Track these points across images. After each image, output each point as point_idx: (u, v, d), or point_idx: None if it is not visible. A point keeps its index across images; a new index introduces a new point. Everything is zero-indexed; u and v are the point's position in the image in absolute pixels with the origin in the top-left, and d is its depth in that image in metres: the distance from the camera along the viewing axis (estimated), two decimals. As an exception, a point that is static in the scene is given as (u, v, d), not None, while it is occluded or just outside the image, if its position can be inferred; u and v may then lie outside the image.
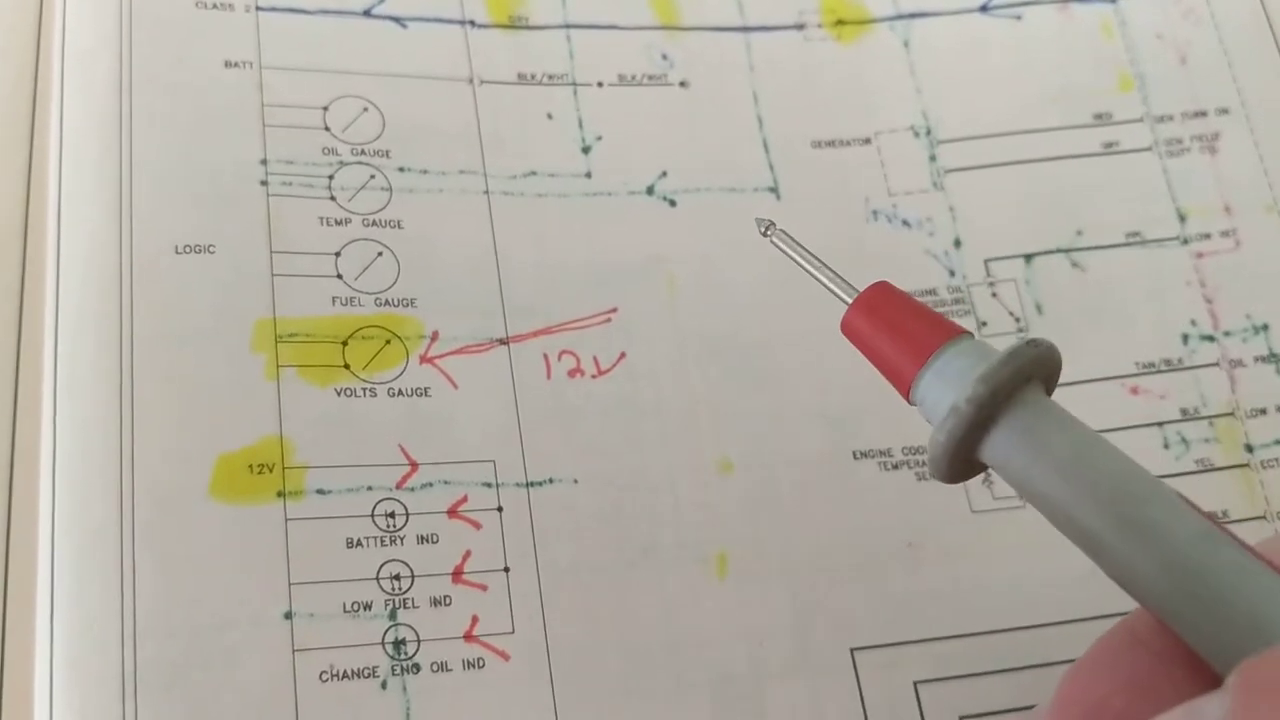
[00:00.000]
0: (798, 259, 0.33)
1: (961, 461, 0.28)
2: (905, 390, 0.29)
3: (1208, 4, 0.50)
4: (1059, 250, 0.45)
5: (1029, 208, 0.46)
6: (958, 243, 0.45)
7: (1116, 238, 0.46)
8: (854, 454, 0.42)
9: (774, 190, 0.45)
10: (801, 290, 0.42)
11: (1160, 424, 0.43)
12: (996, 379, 0.27)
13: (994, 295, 0.44)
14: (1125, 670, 0.26)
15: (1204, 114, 0.48)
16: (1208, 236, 0.46)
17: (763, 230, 0.34)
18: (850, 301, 0.31)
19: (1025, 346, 0.27)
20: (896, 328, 0.30)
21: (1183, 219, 0.46)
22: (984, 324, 0.44)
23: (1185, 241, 0.46)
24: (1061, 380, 0.42)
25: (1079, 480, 0.26)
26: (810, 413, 0.42)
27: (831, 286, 0.32)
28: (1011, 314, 0.44)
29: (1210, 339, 0.45)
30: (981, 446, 0.28)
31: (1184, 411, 0.44)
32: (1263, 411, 0.44)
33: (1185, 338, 0.44)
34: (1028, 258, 0.45)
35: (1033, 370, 0.27)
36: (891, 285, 0.31)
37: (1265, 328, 0.45)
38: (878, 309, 0.30)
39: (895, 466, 0.42)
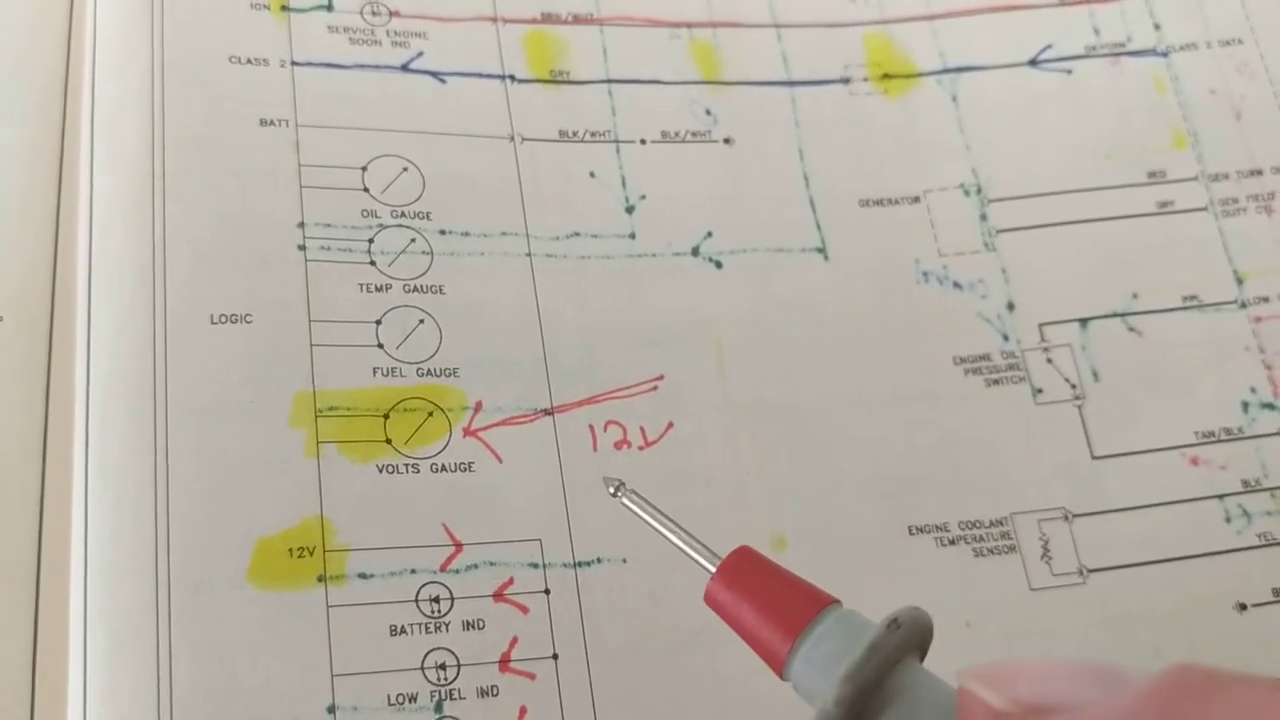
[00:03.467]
0: (651, 522, 0.32)
1: None
2: (778, 670, 0.28)
3: (1261, 59, 0.48)
4: (1114, 314, 0.44)
5: (1083, 269, 0.45)
6: (1011, 305, 0.44)
7: (1173, 301, 0.44)
8: (910, 529, 0.40)
9: (821, 250, 0.44)
10: (855, 355, 0.42)
11: (1221, 496, 0.42)
12: (862, 676, 0.26)
13: (1049, 361, 0.43)
14: None
15: (1260, 172, 0.47)
16: (1266, 300, 0.45)
17: (612, 490, 0.33)
18: (712, 570, 0.29)
19: (887, 633, 0.26)
20: (761, 601, 0.28)
21: (1240, 281, 0.45)
22: (1040, 390, 0.43)
23: (1243, 305, 0.45)
24: (1121, 450, 0.42)
25: None
26: (865, 485, 0.40)
27: (690, 552, 0.30)
28: (1067, 380, 0.43)
29: (1271, 407, 0.43)
30: None
31: (1245, 483, 0.42)
32: (1324, 484, 0.42)
33: (1245, 405, 0.43)
34: (1083, 322, 0.44)
35: (899, 654, 0.26)
36: (753, 551, 0.29)
37: (1327, 396, 0.43)
38: (740, 579, 0.29)
39: (952, 542, 0.40)
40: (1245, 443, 0.43)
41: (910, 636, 0.27)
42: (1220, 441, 0.43)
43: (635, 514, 0.32)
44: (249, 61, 0.41)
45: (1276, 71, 0.48)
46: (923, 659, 0.28)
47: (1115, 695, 0.22)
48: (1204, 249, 0.45)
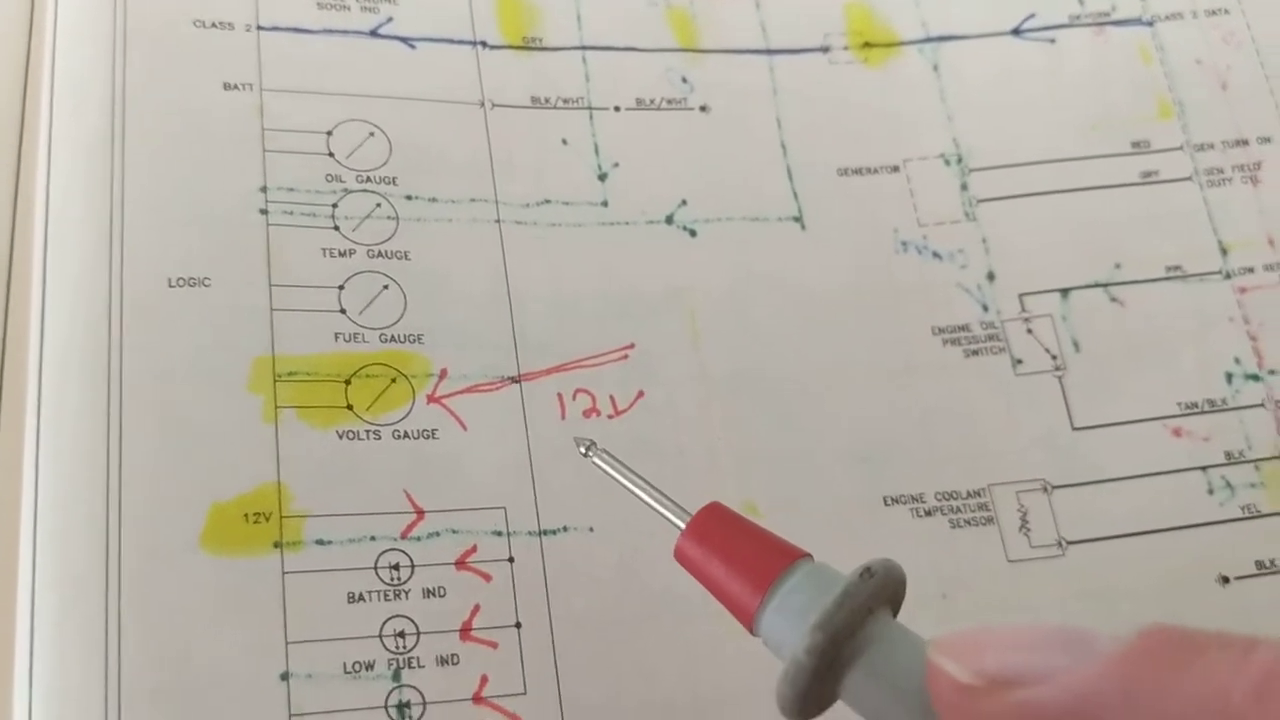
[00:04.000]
0: (622, 480, 0.31)
1: (814, 702, 0.26)
2: (748, 624, 0.28)
3: (1248, 28, 0.48)
4: (1097, 284, 0.43)
5: (1065, 240, 0.44)
6: (991, 276, 0.43)
7: (1156, 271, 0.44)
8: (885, 499, 0.40)
9: (798, 220, 0.43)
10: (830, 324, 0.41)
11: (1204, 468, 0.41)
12: (834, 624, 0.25)
13: (1029, 332, 0.42)
14: None
15: (1246, 142, 0.46)
16: (1251, 270, 0.44)
17: (583, 450, 0.32)
18: (682, 526, 0.29)
19: (859, 581, 0.26)
20: (731, 555, 0.28)
21: (1225, 252, 0.44)
22: (1019, 361, 0.42)
23: (1228, 276, 0.44)
24: (1102, 421, 0.41)
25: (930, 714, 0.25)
26: (839, 454, 0.40)
27: (661, 510, 0.30)
28: (1048, 351, 0.42)
29: (1255, 378, 0.42)
30: (836, 684, 0.26)
31: (1228, 455, 0.42)
32: (1311, 455, 0.42)
33: (1229, 377, 0.42)
34: (1064, 292, 0.43)
35: (872, 603, 0.26)
36: (724, 507, 0.29)
37: (1313, 366, 0.43)
38: (710, 535, 0.28)
39: (928, 513, 0.40)
40: (1229, 414, 0.42)
41: (883, 586, 0.26)
42: (1203, 413, 0.42)
43: (606, 473, 0.32)
44: (214, 25, 0.40)
45: (1263, 41, 0.47)
46: (896, 613, 0.27)
47: (1084, 663, 0.21)
48: (1188, 219, 0.45)
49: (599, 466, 0.32)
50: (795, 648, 0.26)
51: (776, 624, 0.27)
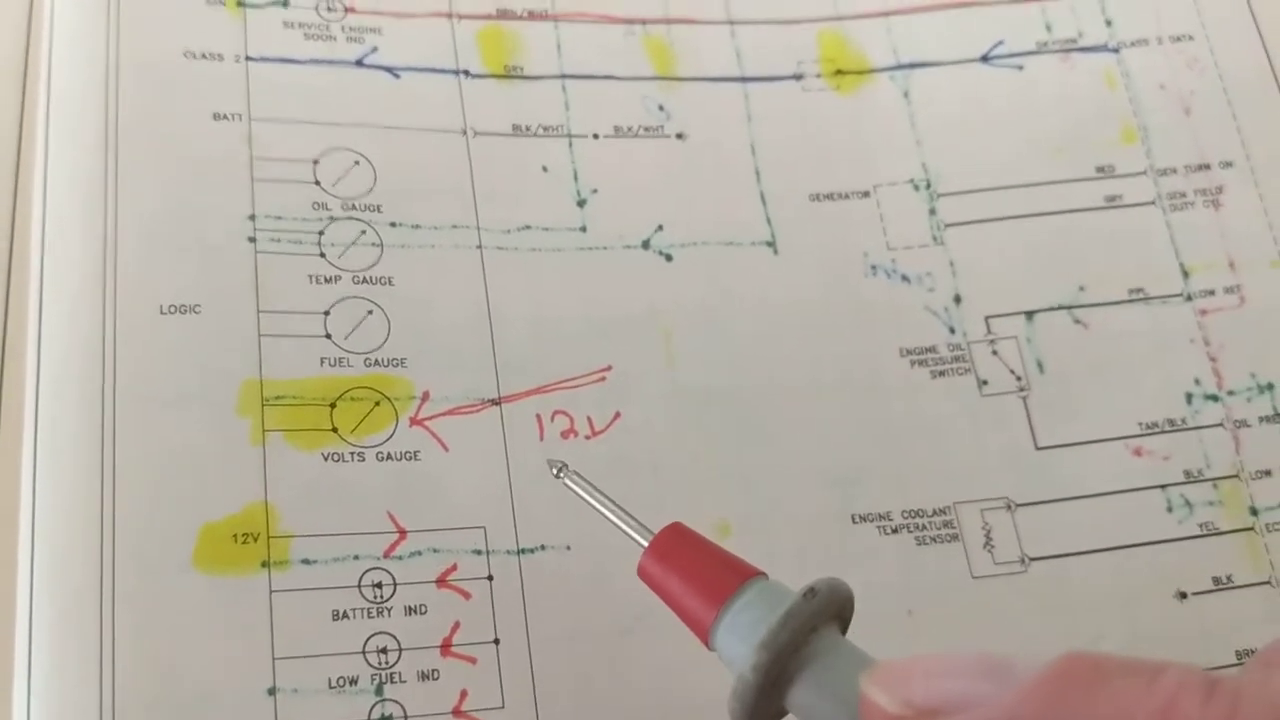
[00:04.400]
0: (591, 501, 0.33)
1: (763, 716, 0.28)
2: (704, 639, 0.29)
3: (1211, 54, 0.49)
4: (1061, 307, 0.45)
5: (1031, 263, 0.45)
6: (958, 299, 0.44)
7: (1119, 294, 0.45)
8: (853, 517, 0.41)
9: (771, 244, 0.44)
10: (802, 346, 0.42)
11: (1163, 486, 0.42)
12: (777, 643, 0.27)
13: (994, 353, 0.44)
14: None
15: (1207, 167, 0.47)
16: (1212, 293, 0.45)
17: (555, 472, 0.34)
18: (645, 545, 0.31)
19: (803, 601, 0.28)
20: (689, 573, 0.30)
21: (1186, 275, 0.45)
22: (985, 382, 0.43)
23: (1189, 298, 0.45)
24: (1065, 440, 0.42)
25: None
26: (810, 473, 0.41)
27: (626, 529, 0.32)
28: (1013, 372, 0.43)
29: (1214, 399, 0.44)
30: (783, 698, 0.28)
31: (1187, 474, 0.43)
32: (1267, 473, 0.43)
33: (1189, 397, 0.44)
34: (1029, 314, 0.44)
35: (815, 621, 0.27)
36: (684, 527, 0.31)
37: (1270, 387, 0.44)
38: (670, 553, 0.30)
39: (894, 530, 0.41)
40: (1188, 434, 0.43)
41: (826, 604, 0.28)
42: (1164, 432, 0.43)
43: (576, 494, 0.33)
44: (204, 56, 0.42)
45: (1226, 67, 0.49)
46: (845, 630, 0.29)
47: (1005, 690, 0.23)
48: (1151, 243, 0.46)
49: (570, 488, 0.34)
50: (742, 664, 0.27)
51: (728, 640, 0.28)
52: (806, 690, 0.27)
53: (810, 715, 0.27)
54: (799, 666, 0.27)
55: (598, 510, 0.33)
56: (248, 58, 0.42)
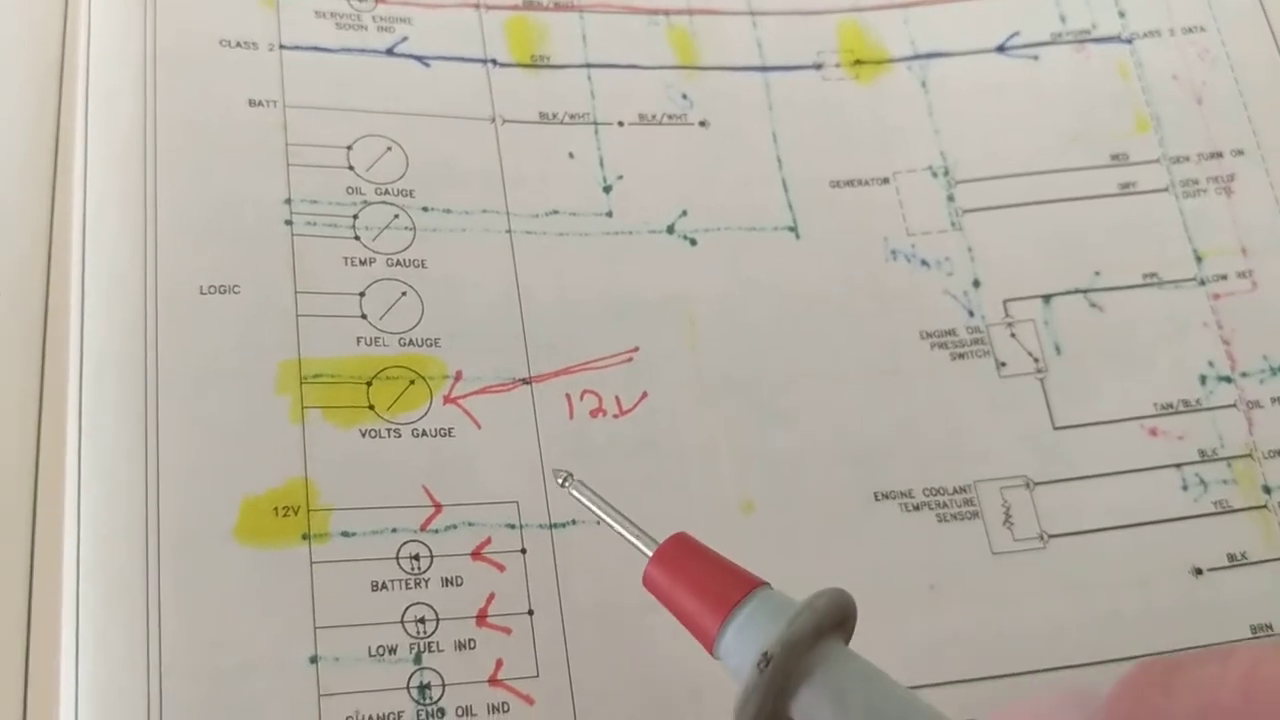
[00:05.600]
0: (596, 510, 0.34)
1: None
2: (709, 647, 0.30)
3: (1223, 45, 0.50)
4: (1077, 291, 0.45)
5: (1047, 248, 0.46)
6: (976, 283, 0.45)
7: (1134, 279, 0.46)
8: (875, 495, 0.42)
9: (793, 229, 0.45)
10: (824, 330, 0.43)
11: (1179, 465, 0.43)
12: (782, 649, 0.27)
13: (1013, 335, 0.44)
14: None
15: (1220, 155, 0.48)
16: (1224, 278, 0.46)
17: (560, 481, 0.35)
18: (650, 554, 0.32)
19: (806, 610, 0.28)
20: (694, 583, 0.30)
21: (1199, 260, 0.46)
22: (1003, 364, 0.44)
23: (1202, 283, 0.46)
24: (1082, 420, 0.43)
25: None
26: (832, 453, 0.42)
27: (630, 539, 0.33)
28: (1030, 354, 0.44)
29: (1228, 380, 0.45)
30: (787, 706, 0.28)
31: (1202, 453, 0.44)
32: (1280, 453, 0.44)
33: (1203, 379, 0.45)
34: (1046, 298, 0.45)
35: (819, 629, 0.28)
36: (689, 537, 0.32)
37: (1282, 369, 0.45)
38: (676, 562, 0.31)
39: (916, 508, 0.42)
40: (1202, 414, 0.44)
41: (828, 613, 0.28)
42: (1178, 413, 0.44)
43: (581, 503, 0.34)
44: (238, 45, 0.42)
45: (1237, 58, 0.50)
46: (848, 640, 0.30)
47: (1090, 712, 0.23)
48: (1165, 229, 0.47)
49: (575, 497, 0.35)
50: (747, 673, 0.28)
51: (733, 650, 0.29)
52: (811, 696, 0.28)
53: None
54: (802, 675, 0.28)
55: (603, 519, 0.34)
56: (281, 46, 0.43)
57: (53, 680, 0.34)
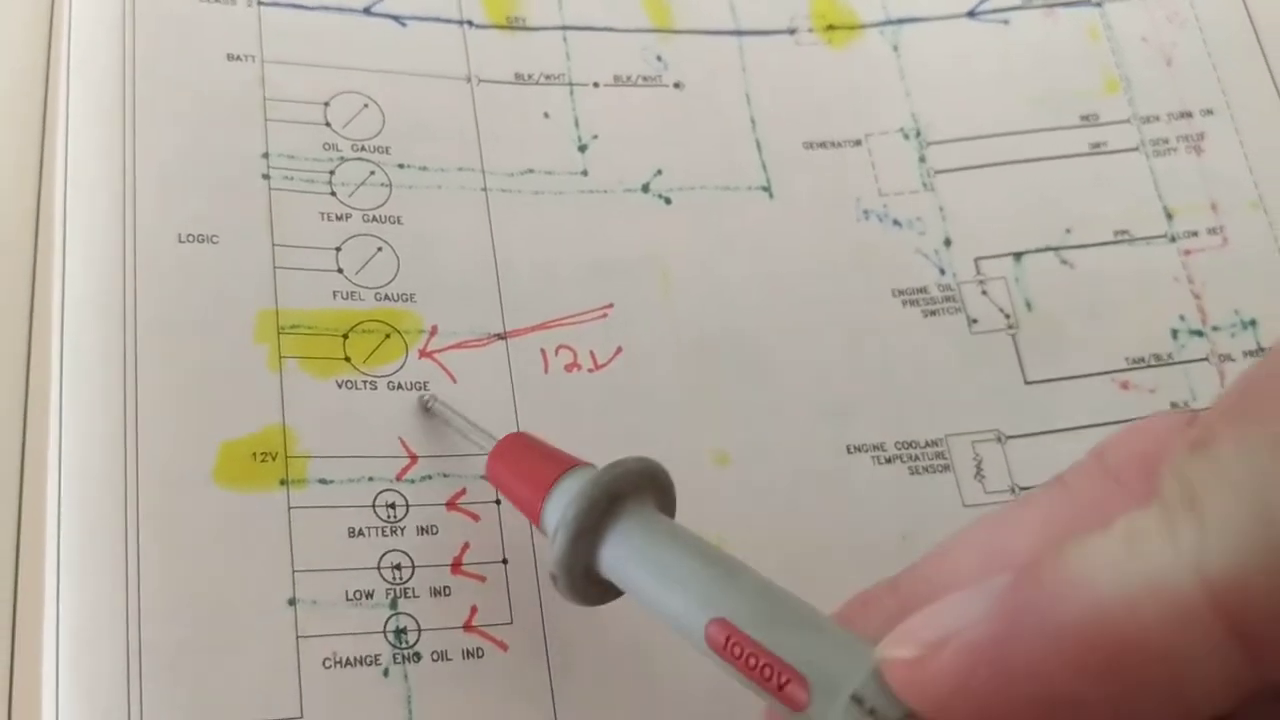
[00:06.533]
0: (452, 425, 0.38)
1: (581, 578, 0.31)
2: (538, 523, 0.33)
3: (1192, 7, 0.50)
4: (1048, 248, 0.46)
5: (1018, 207, 0.47)
6: (948, 241, 0.46)
7: (1105, 236, 0.46)
8: (848, 448, 0.42)
9: (767, 189, 0.45)
10: (796, 288, 0.43)
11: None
12: (581, 503, 0.30)
13: (984, 293, 0.45)
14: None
15: (1189, 114, 0.49)
16: (1195, 234, 0.47)
17: (425, 405, 0.38)
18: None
19: (604, 471, 0.31)
20: (524, 469, 0.34)
21: (1170, 217, 0.47)
22: (975, 321, 0.44)
23: (1173, 239, 0.46)
24: (1053, 375, 0.44)
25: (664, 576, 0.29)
26: (805, 406, 0.42)
27: (476, 440, 0.37)
28: (1001, 311, 0.45)
29: (1199, 334, 0.45)
30: (597, 565, 0.31)
31: (1174, 405, 0.44)
32: (1251, 406, 0.44)
33: (1175, 333, 0.45)
34: (1017, 256, 0.46)
35: (616, 488, 0.30)
36: (525, 434, 0.36)
37: (1253, 323, 0.45)
38: (508, 455, 0.35)
39: (889, 460, 0.42)
40: (1174, 368, 0.45)
41: (625, 475, 0.31)
42: (1150, 367, 0.45)
43: (444, 418, 0.38)
44: (217, 0, 0.43)
45: (1206, 19, 0.50)
46: (672, 511, 0.32)
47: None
48: (1135, 187, 0.47)
49: (438, 413, 0.38)
50: (554, 534, 0.30)
51: (549, 517, 0.31)
52: (612, 548, 0.30)
53: (618, 572, 0.30)
54: (606, 530, 0.30)
55: (458, 431, 0.38)
56: (260, 2, 0.43)
57: (35, 619, 0.34)
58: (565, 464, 0.32)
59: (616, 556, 0.30)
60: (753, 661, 0.26)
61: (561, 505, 0.30)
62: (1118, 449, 0.26)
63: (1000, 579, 0.22)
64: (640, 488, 0.31)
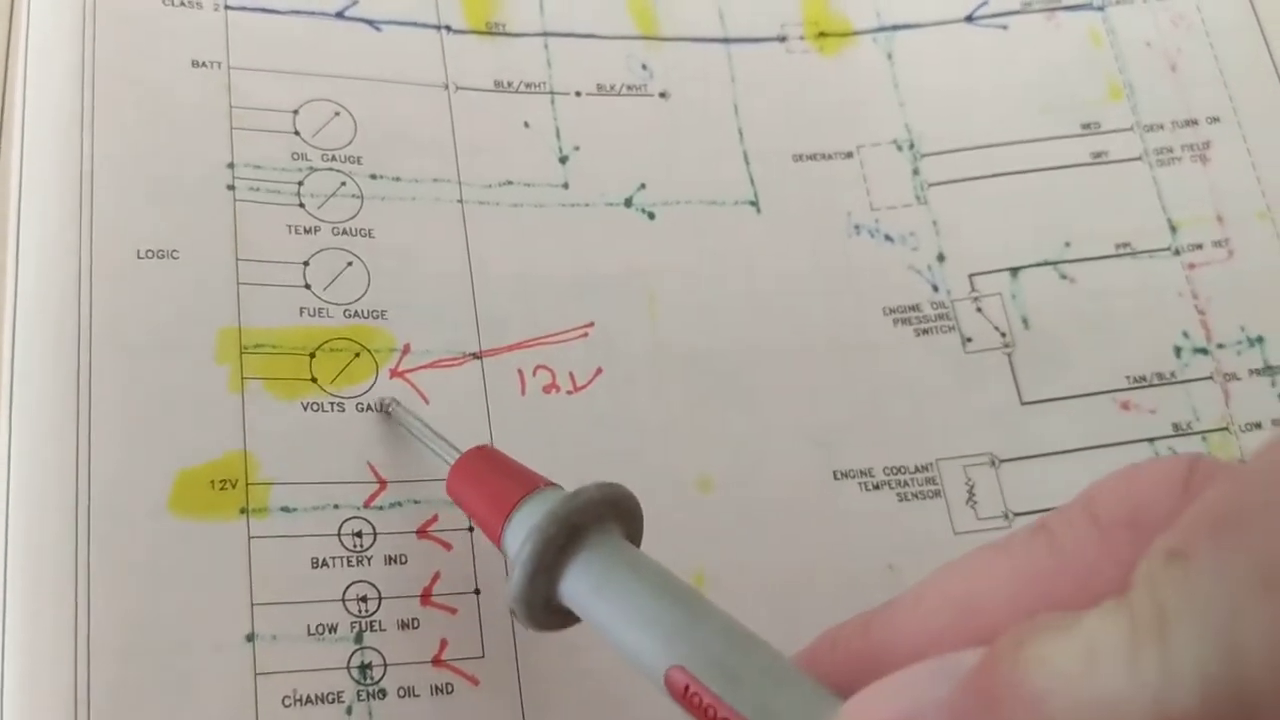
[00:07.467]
0: (412, 431, 0.36)
1: (541, 608, 0.30)
2: (499, 545, 0.31)
3: (1198, 10, 0.49)
4: (1046, 263, 0.44)
5: (1015, 220, 0.45)
6: (941, 257, 0.44)
7: (1106, 249, 0.45)
8: (835, 474, 0.41)
9: (754, 204, 0.44)
10: (784, 306, 0.42)
11: (1151, 439, 0.42)
12: (543, 532, 0.29)
13: (979, 310, 0.43)
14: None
15: (1195, 122, 0.47)
16: (1200, 247, 0.45)
17: (384, 408, 0.37)
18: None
19: (567, 499, 0.29)
20: (484, 487, 0.32)
21: (1174, 229, 0.45)
22: (969, 339, 0.43)
23: (1177, 252, 0.45)
24: (1050, 395, 0.42)
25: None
26: (792, 431, 0.41)
27: (438, 452, 0.35)
28: (997, 329, 0.43)
29: (1204, 352, 0.44)
30: (557, 592, 0.29)
31: (1176, 426, 0.43)
32: (1258, 426, 0.43)
33: (1178, 350, 0.44)
34: (1014, 271, 0.44)
35: (579, 518, 0.29)
36: (489, 448, 0.34)
37: (1260, 340, 0.44)
38: (471, 470, 0.33)
39: (876, 487, 0.41)
40: (1176, 387, 0.43)
41: (590, 503, 0.29)
42: (1152, 386, 0.43)
43: (402, 425, 0.36)
44: (182, 4, 0.41)
45: (1212, 24, 0.48)
46: (638, 540, 0.31)
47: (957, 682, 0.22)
48: (1138, 198, 0.46)
49: (398, 419, 0.36)
50: (516, 559, 0.29)
51: (509, 542, 0.30)
52: (573, 583, 0.29)
53: (578, 600, 0.29)
54: (568, 558, 0.29)
55: (417, 439, 0.36)
56: (227, 6, 0.41)
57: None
58: (529, 484, 0.31)
59: (577, 591, 0.29)
60: (711, 713, 0.25)
61: (520, 535, 0.29)
62: (1107, 498, 0.24)
63: (965, 659, 0.21)
64: (604, 516, 0.30)
